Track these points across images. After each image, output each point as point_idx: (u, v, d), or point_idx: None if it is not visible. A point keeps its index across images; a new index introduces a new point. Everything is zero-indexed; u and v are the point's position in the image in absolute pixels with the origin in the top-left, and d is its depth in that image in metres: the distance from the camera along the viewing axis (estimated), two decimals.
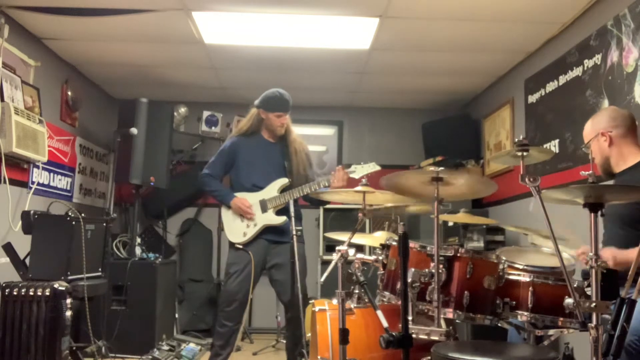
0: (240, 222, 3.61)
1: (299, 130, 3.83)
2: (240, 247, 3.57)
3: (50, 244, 3.33)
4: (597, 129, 2.63)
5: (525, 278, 2.35)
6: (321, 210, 5.39)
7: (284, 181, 3.61)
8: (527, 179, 1.92)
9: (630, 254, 2.29)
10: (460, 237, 4.55)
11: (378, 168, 3.51)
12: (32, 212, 3.38)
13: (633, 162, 2.56)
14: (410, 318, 2.13)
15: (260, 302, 5.25)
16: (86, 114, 5.16)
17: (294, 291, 3.10)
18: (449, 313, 2.25)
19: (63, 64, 4.76)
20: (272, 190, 3.60)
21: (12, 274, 3.38)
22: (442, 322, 2.22)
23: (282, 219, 3.54)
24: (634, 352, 2.11)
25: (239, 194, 3.63)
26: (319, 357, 2.49)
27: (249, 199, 3.60)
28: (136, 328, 4.27)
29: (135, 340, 4.21)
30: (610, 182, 2.63)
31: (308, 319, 3.19)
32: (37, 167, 4.22)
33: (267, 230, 3.58)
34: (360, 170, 3.50)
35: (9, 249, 3.39)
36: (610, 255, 2.30)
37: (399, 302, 2.10)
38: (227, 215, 3.66)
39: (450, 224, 4.58)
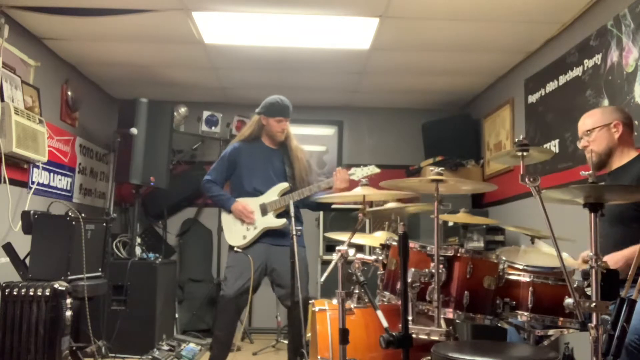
0: (240, 225, 3.63)
1: (299, 131, 3.87)
2: (240, 250, 3.58)
3: (50, 244, 3.33)
4: (612, 118, 2.58)
5: (525, 278, 2.35)
6: None
7: (284, 185, 3.64)
8: (527, 179, 1.92)
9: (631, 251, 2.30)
10: (460, 237, 4.55)
11: (377, 171, 3.55)
12: (32, 212, 3.38)
13: (626, 161, 2.57)
14: (410, 318, 2.13)
15: (260, 302, 5.24)
16: (86, 114, 5.16)
17: (294, 291, 3.10)
18: (449, 313, 2.25)
19: (63, 64, 4.75)
20: (272, 194, 3.63)
21: (12, 274, 3.39)
22: (442, 322, 2.22)
23: (282, 221, 3.56)
24: (635, 351, 2.11)
25: (240, 199, 3.66)
26: (319, 357, 2.48)
27: (250, 203, 3.62)
28: (136, 328, 4.27)
29: (135, 340, 4.21)
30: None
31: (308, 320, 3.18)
32: (37, 167, 4.22)
33: (267, 233, 3.60)
34: (359, 173, 3.55)
35: (9, 249, 3.39)
36: (621, 257, 2.31)
37: (399, 302, 2.10)
38: (226, 218, 3.68)
39: (450, 224, 4.58)
